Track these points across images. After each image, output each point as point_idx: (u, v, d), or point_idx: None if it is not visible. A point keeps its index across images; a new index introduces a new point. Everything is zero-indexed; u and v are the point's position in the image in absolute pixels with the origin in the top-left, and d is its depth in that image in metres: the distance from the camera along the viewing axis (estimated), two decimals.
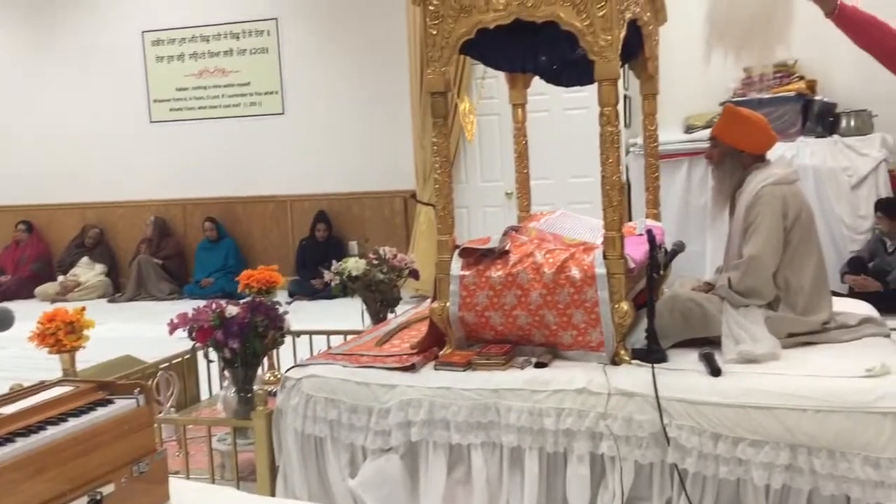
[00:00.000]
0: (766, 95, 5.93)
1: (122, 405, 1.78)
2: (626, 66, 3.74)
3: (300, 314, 6.83)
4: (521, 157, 3.93)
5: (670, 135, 6.22)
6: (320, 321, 5.40)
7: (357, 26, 7.46)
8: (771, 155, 3.19)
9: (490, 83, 6.55)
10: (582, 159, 6.39)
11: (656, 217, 3.76)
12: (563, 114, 6.70)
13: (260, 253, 8.15)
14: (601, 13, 2.74)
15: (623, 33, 2.83)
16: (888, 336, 3.03)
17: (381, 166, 7.65)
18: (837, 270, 5.49)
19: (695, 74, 5.97)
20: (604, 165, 2.84)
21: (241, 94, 8.16)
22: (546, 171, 6.53)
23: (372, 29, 7.58)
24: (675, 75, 6.18)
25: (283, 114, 8.08)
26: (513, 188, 6.60)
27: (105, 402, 1.79)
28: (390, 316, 4.08)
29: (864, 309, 3.36)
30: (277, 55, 8.01)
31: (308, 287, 7.39)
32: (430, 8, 2.94)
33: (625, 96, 6.48)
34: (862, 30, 2.92)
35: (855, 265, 5.42)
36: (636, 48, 3.54)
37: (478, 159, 6.95)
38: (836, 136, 5.75)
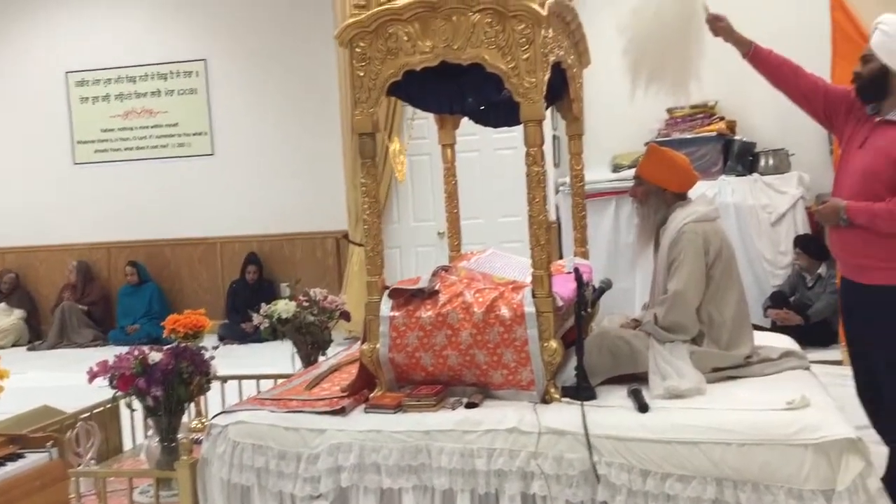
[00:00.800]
0: (688, 135, 6.13)
1: (33, 459, 1.71)
2: (553, 107, 3.82)
3: (230, 358, 6.70)
4: (451, 196, 3.96)
5: (598, 174, 6.37)
6: (251, 365, 5.31)
7: (287, 66, 7.46)
8: (693, 193, 3.28)
9: (420, 123, 6.60)
10: (511, 198, 6.47)
11: (584, 255, 3.82)
12: (494, 154, 6.80)
13: (189, 296, 7.99)
14: (525, 56, 2.80)
15: (547, 76, 2.89)
16: (808, 368, 3.13)
17: (313, 206, 7.61)
18: (760, 305, 5.65)
19: (621, 115, 6.15)
20: (530, 205, 2.88)
21: (168, 135, 8.05)
22: (477, 210, 6.61)
23: (302, 68, 7.60)
24: (602, 116, 6.37)
25: (212, 154, 7.99)
26: (444, 228, 6.74)
27: (16, 457, 1.71)
28: (321, 359, 4.03)
29: (785, 342, 3.45)
30: (206, 95, 7.95)
31: (238, 331, 7.25)
32: (357, 50, 2.96)
33: (554, 136, 6.62)
34: (776, 70, 3.08)
35: (777, 299, 5.59)
36: (561, 90, 3.62)
37: (410, 199, 6.98)
38: (755, 175, 5.96)
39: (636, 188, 3.28)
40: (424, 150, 6.78)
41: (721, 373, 2.97)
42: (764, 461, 2.47)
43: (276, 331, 3.98)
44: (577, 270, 2.89)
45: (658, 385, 2.82)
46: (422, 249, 7.05)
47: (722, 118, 6.14)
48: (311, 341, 4.04)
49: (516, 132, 6.29)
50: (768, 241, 5.83)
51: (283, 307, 3.99)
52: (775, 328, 5.44)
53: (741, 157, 6.02)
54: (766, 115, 5.93)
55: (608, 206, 6.34)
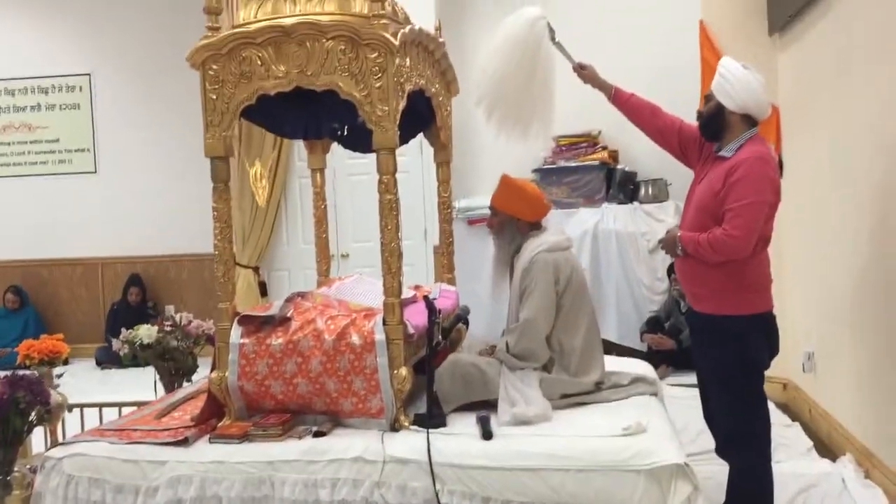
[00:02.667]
0: (573, 163, 6.28)
1: None
2: (423, 134, 3.87)
3: (109, 385, 6.53)
4: (320, 221, 3.97)
5: (487, 199, 6.46)
6: (127, 391, 5.13)
7: (174, 82, 7.31)
8: (546, 222, 3.37)
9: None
10: (406, 221, 6.53)
11: (451, 281, 3.87)
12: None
13: (67, 319, 7.71)
14: (378, 84, 2.84)
15: (402, 104, 2.94)
16: (656, 394, 3.24)
17: (200, 227, 7.43)
18: (638, 330, 5.82)
19: (509, 142, 6.30)
20: (383, 232, 2.92)
21: (49, 151, 7.77)
22: (369, 233, 6.63)
23: (187, 85, 7.44)
24: (490, 142, 6.48)
25: (95, 172, 7.76)
26: (342, 249, 6.75)
27: None
28: (186, 385, 3.95)
29: (639, 368, 3.56)
30: (90, 111, 7.72)
31: (117, 355, 7.02)
32: (210, 73, 2.95)
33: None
34: (635, 110, 3.24)
35: (652, 324, 5.77)
36: (429, 117, 3.68)
37: (299, 220, 6.93)
38: (636, 203, 6.15)
39: (491, 219, 3.36)
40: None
41: (570, 399, 3.05)
42: (600, 487, 2.55)
43: (136, 356, 3.87)
44: (426, 299, 2.92)
45: (506, 412, 2.87)
46: (311, 272, 7.01)
47: (605, 147, 6.31)
48: (174, 368, 3.94)
49: (408, 156, 6.38)
50: (647, 267, 6.01)
51: (145, 332, 3.89)
52: (650, 352, 5.61)
53: (623, 186, 6.20)
54: (646, 145, 6.02)
55: None
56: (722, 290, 2.91)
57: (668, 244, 3.06)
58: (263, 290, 6.93)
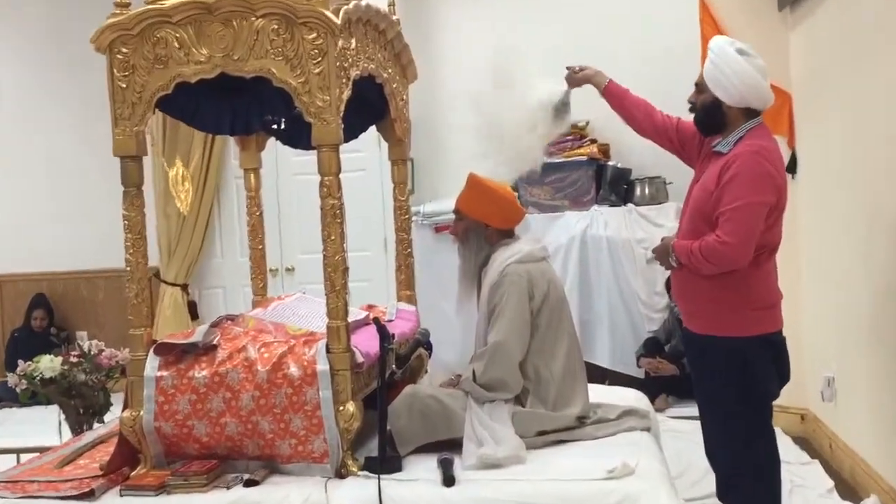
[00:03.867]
0: (557, 159, 6.31)
1: None
2: (375, 127, 3.89)
3: (6, 425, 6.44)
4: (255, 230, 3.97)
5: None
6: (27, 435, 5.05)
7: (79, 83, 7.25)
8: (520, 229, 3.40)
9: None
10: (360, 229, 6.53)
11: (410, 299, 3.87)
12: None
13: None
14: (317, 70, 2.85)
15: (346, 93, 2.95)
16: (649, 429, 3.26)
17: (118, 239, 7.39)
18: (634, 353, 5.86)
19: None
20: (325, 243, 2.94)
21: None
22: (317, 243, 6.61)
23: (97, 85, 7.42)
24: (461, 137, 6.51)
25: None
26: (287, 262, 6.72)
27: None
28: (96, 427, 3.92)
29: (630, 398, 3.59)
30: None
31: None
32: (119, 57, 2.94)
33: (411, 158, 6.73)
34: (631, 109, 3.31)
35: (651, 347, 5.81)
36: (382, 108, 3.70)
37: (236, 228, 6.90)
38: (630, 205, 6.19)
39: (456, 224, 3.38)
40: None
41: (548, 437, 3.07)
42: None
43: (35, 393, 3.84)
44: (377, 322, 2.93)
45: (472, 453, 2.88)
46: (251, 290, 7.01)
47: (594, 141, 6.34)
48: (82, 406, 3.91)
49: (364, 152, 6.38)
50: (644, 280, 6.04)
51: (47, 364, 3.86)
52: (648, 379, 5.65)
53: (615, 185, 6.24)
54: (640, 138, 6.17)
55: None
56: (720, 306, 2.95)
57: (660, 254, 3.10)
58: (194, 311, 6.90)
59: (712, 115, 3.01)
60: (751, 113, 3.00)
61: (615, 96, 3.33)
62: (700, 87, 3.05)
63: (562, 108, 3.45)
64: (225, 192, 6.93)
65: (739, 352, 2.93)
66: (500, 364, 3.07)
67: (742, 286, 2.92)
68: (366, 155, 6.28)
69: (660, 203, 6.17)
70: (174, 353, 2.95)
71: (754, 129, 3.00)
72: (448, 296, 6.24)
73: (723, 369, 2.96)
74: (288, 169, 6.67)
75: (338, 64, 2.87)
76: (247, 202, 3.98)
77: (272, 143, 4.05)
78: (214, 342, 3.00)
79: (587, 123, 6.40)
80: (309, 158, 5.97)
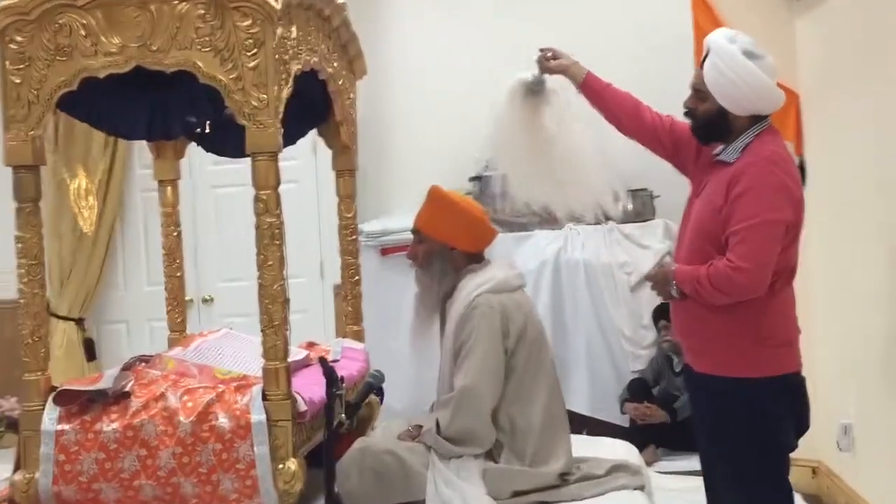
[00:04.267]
0: None
1: None
2: (316, 131, 3.89)
3: None
4: (172, 254, 3.97)
5: (409, 221, 6.47)
6: None
7: None
8: (490, 253, 3.41)
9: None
10: (296, 251, 6.50)
11: (358, 336, 3.89)
12: None
13: None
14: (253, 64, 2.85)
15: (287, 91, 2.96)
16: (643, 488, 3.28)
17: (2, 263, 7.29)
18: (617, 398, 5.89)
19: (439, 143, 6.32)
20: (261, 269, 2.93)
21: None
22: (241, 268, 6.57)
23: None
24: (414, 143, 6.52)
25: None
26: (204, 292, 6.65)
27: None
28: None
29: (619, 451, 3.61)
30: None
31: None
32: (13, 47, 2.91)
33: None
34: (615, 103, 3.32)
35: (637, 390, 5.83)
36: (325, 109, 3.70)
37: (142, 252, 6.83)
38: (611, 223, 6.22)
39: (415, 246, 3.39)
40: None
41: (527, 497, 3.08)
42: None
43: None
44: (324, 362, 2.91)
45: None
46: (160, 325, 6.89)
47: None
48: None
49: (297, 160, 6.37)
50: (627, 311, 6.07)
51: None
52: (634, 428, 5.67)
53: None
54: (624, 143, 6.21)
55: None
56: (731, 342, 2.98)
57: (658, 282, 3.12)
58: (90, 350, 6.78)
59: (716, 125, 3.05)
60: (758, 117, 3.05)
61: (594, 91, 3.34)
62: (701, 93, 3.06)
63: (536, 88, 3.44)
64: (129, 209, 6.84)
65: (754, 396, 2.96)
66: (468, 413, 3.08)
67: (757, 319, 2.95)
68: (299, 164, 6.26)
69: (645, 220, 6.20)
70: (78, 403, 2.92)
71: (763, 132, 3.05)
72: (395, 332, 6.25)
73: (734, 416, 2.98)
74: (204, 180, 6.62)
75: (276, 56, 2.88)
76: (162, 220, 3.96)
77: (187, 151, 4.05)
78: (127, 388, 2.97)
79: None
80: (231, 167, 6.13)
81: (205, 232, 6.70)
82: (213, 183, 6.63)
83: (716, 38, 3.06)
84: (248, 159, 3.22)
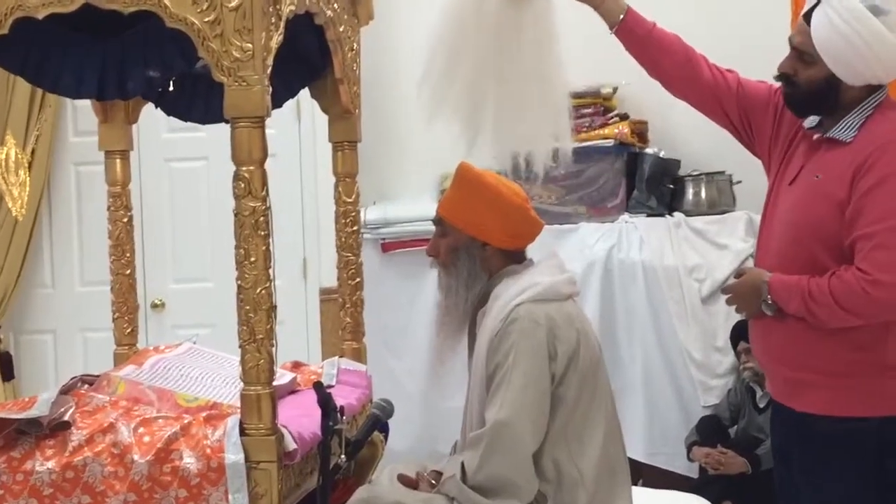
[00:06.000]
0: (570, 145, 6.33)
1: None
2: (309, 92, 3.90)
3: None
4: (121, 246, 3.99)
5: (420, 207, 6.47)
6: None
7: None
8: (533, 249, 3.41)
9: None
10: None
11: (358, 354, 3.90)
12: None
13: None
14: (235, 2, 2.86)
15: (278, 39, 2.98)
16: None
17: None
18: (683, 440, 5.88)
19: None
20: (240, 267, 2.94)
21: None
22: (203, 267, 6.59)
23: None
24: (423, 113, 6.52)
25: None
26: (154, 295, 6.64)
27: None
28: None
29: None
30: None
31: None
32: None
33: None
34: (663, 50, 3.30)
35: (708, 431, 5.81)
36: (321, 63, 3.71)
37: (74, 243, 6.84)
38: (678, 215, 6.21)
39: (437, 240, 3.39)
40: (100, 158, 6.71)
41: None
42: None
43: None
44: (319, 388, 2.92)
45: None
46: (102, 337, 6.89)
47: (625, 117, 6.37)
48: None
49: (274, 128, 6.38)
50: (699, 329, 6.05)
51: None
52: (705, 479, 5.67)
53: (656, 184, 6.26)
54: (695, 115, 6.21)
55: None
56: (848, 372, 2.98)
57: (742, 293, 3.12)
58: (7, 367, 6.78)
59: (821, 95, 3.05)
60: (874, 87, 3.05)
61: (637, 37, 3.34)
62: (806, 56, 3.06)
63: None
64: (58, 188, 6.84)
65: (872, 440, 2.97)
66: (503, 455, 3.07)
67: (882, 342, 2.96)
68: (276, 133, 6.24)
69: (723, 212, 6.21)
70: (3, 435, 2.94)
71: (883, 105, 3.06)
72: (398, 348, 6.29)
73: (847, 465, 2.99)
74: (156, 153, 6.59)
75: None
76: (109, 202, 3.98)
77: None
78: (66, 417, 2.97)
79: (615, 91, 6.45)
80: (190, 136, 6.14)
81: (155, 218, 6.66)
82: (167, 155, 6.63)
83: None
84: (217, 126, 3.23)
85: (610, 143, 6.31)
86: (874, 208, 2.88)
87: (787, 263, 3.03)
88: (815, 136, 3.11)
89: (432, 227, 3.49)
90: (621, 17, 3.31)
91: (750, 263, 5.90)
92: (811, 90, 3.06)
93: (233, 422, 2.89)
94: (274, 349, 2.94)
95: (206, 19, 2.85)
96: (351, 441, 3.09)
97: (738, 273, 3.24)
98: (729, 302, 3.23)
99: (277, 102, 3.63)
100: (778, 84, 3.23)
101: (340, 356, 3.88)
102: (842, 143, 3.01)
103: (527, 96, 3.52)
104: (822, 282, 2.92)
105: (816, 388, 3.04)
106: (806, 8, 3.06)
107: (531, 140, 3.61)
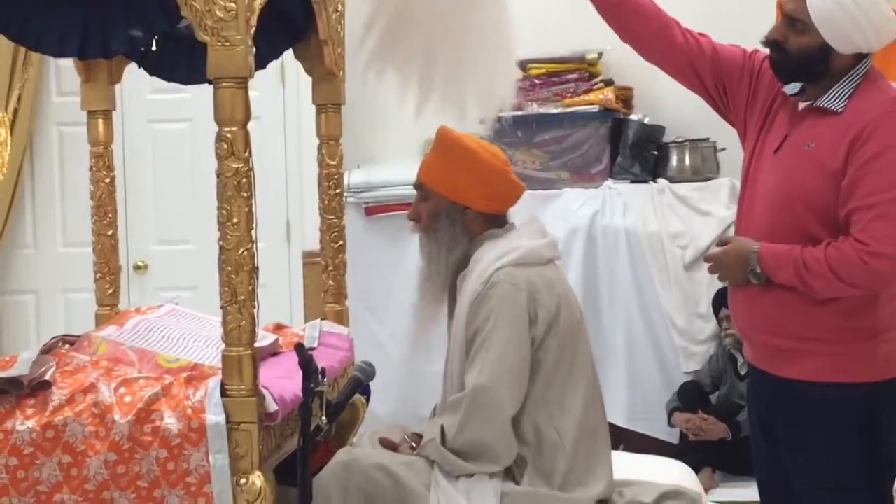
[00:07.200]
0: (553, 109, 6.33)
1: None
2: (293, 53, 3.88)
3: None
4: (103, 206, 3.98)
5: (403, 171, 6.47)
6: None
7: None
8: (514, 215, 3.41)
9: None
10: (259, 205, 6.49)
11: (341, 317, 3.92)
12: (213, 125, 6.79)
13: None
14: None
15: None
16: None
17: None
18: (664, 406, 5.90)
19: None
20: (222, 229, 2.94)
21: None
22: (184, 228, 6.58)
23: None
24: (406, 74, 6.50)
25: None
26: (136, 257, 6.63)
27: None
28: None
29: (672, 473, 3.64)
30: None
31: None
32: None
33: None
34: (636, 14, 3.29)
35: (690, 397, 5.83)
36: (303, 23, 3.71)
37: (57, 203, 6.81)
38: (662, 182, 6.22)
39: (419, 205, 3.39)
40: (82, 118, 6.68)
41: None
42: None
43: None
44: (300, 348, 2.92)
45: None
46: (84, 297, 6.89)
47: (609, 83, 6.36)
48: None
49: (257, 90, 6.36)
50: (681, 296, 6.06)
51: None
52: (685, 445, 5.70)
53: (640, 150, 6.26)
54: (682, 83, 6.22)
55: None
56: (837, 339, 2.99)
57: (728, 262, 3.12)
58: None
59: (812, 64, 3.04)
60: (861, 55, 3.05)
61: None
62: (798, 24, 3.03)
63: None
64: (40, 148, 6.82)
65: (862, 405, 2.99)
66: (483, 419, 3.09)
67: (870, 309, 2.97)
68: (260, 95, 6.23)
69: (706, 179, 6.22)
70: None
71: (870, 73, 3.06)
72: (381, 313, 6.29)
73: (834, 431, 3.01)
74: (139, 114, 6.56)
75: None
76: (91, 163, 3.96)
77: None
78: (47, 377, 2.97)
79: (599, 56, 6.43)
80: (174, 98, 6.12)
81: (138, 180, 6.64)
82: (150, 116, 6.61)
83: None
84: (201, 87, 3.22)
85: (594, 108, 6.31)
86: (873, 179, 2.88)
87: (776, 232, 3.02)
88: (802, 105, 3.10)
89: (409, 193, 3.48)
90: None
91: (732, 231, 5.95)
92: (801, 58, 3.04)
93: (214, 383, 2.89)
94: (256, 311, 2.94)
95: None
96: (332, 403, 3.09)
97: (722, 241, 3.24)
98: (712, 270, 3.22)
99: (261, 63, 3.62)
100: (751, 49, 3.25)
101: (323, 319, 3.88)
102: (832, 113, 3.01)
103: (473, 56, 3.53)
104: (818, 252, 2.92)
105: (806, 355, 3.04)
106: None
107: (479, 99, 3.62)
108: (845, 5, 2.91)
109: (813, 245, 2.96)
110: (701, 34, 3.31)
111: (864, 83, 3.02)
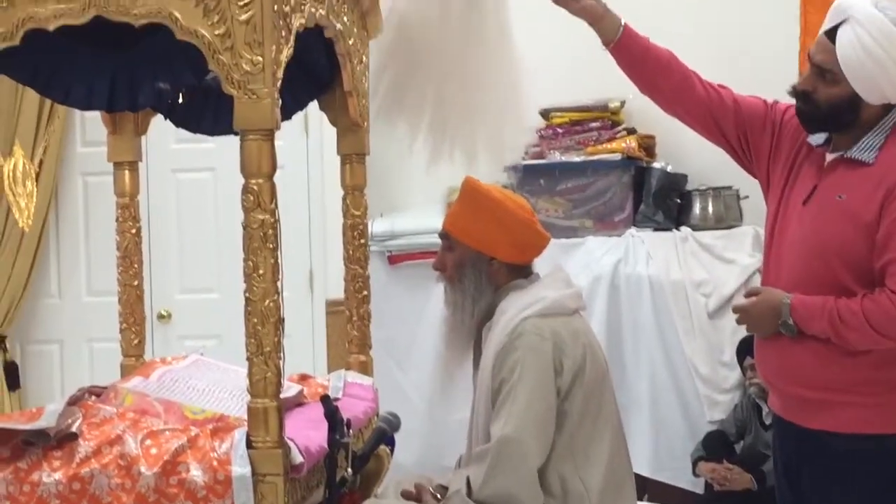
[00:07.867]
0: (576, 158, 6.35)
1: None
2: (318, 105, 3.91)
3: None
4: (129, 257, 4.00)
5: (428, 218, 6.48)
6: None
7: None
8: (538, 263, 3.43)
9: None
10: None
11: (365, 368, 3.91)
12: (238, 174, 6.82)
13: None
14: (245, 16, 2.86)
15: (288, 52, 2.98)
16: None
17: None
18: (689, 455, 5.87)
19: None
20: (248, 279, 2.94)
21: None
22: (208, 277, 6.60)
23: None
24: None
25: None
26: (160, 306, 6.64)
27: None
28: None
29: None
30: None
31: None
32: None
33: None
34: (658, 67, 3.33)
35: (715, 446, 5.80)
36: (328, 76, 3.72)
37: (82, 253, 6.84)
38: (685, 230, 6.22)
39: (444, 254, 3.39)
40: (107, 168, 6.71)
41: None
42: None
43: None
44: (326, 401, 2.93)
45: None
46: (109, 347, 6.89)
47: (632, 132, 6.38)
48: None
49: (283, 140, 6.40)
50: (705, 344, 6.04)
51: None
52: (711, 494, 5.66)
53: (663, 198, 6.26)
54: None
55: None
56: (870, 390, 2.99)
57: (758, 314, 3.13)
58: (13, 376, 6.79)
59: (841, 114, 3.04)
60: (889, 105, 3.06)
61: (633, 55, 3.35)
62: (829, 74, 3.03)
63: None
64: (65, 197, 6.85)
65: (893, 456, 2.98)
66: (508, 470, 3.07)
67: None
68: (285, 144, 6.25)
69: (730, 227, 6.21)
70: (10, 446, 2.94)
71: None
72: (405, 361, 6.28)
73: (864, 484, 3.00)
74: (164, 163, 6.59)
75: (275, 8, 2.89)
76: (117, 214, 3.99)
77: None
78: (73, 429, 2.97)
79: (622, 105, 6.44)
80: (198, 147, 6.15)
81: (161, 229, 6.67)
82: (175, 166, 6.64)
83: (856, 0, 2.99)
84: (224, 137, 3.24)
85: (617, 157, 6.31)
86: None
87: (807, 283, 3.02)
88: (831, 156, 3.11)
89: (439, 240, 3.49)
90: (618, 34, 3.32)
91: (757, 278, 5.94)
92: (831, 108, 3.05)
93: (240, 434, 2.89)
94: (282, 362, 2.94)
95: (217, 32, 2.85)
96: (357, 454, 3.10)
97: (750, 292, 3.23)
98: (740, 321, 3.22)
99: (286, 115, 3.64)
100: (771, 100, 3.25)
101: (347, 369, 3.88)
102: (863, 164, 3.01)
103: (483, 104, 3.55)
104: (854, 304, 2.92)
105: (836, 407, 3.03)
106: (828, 25, 3.04)
107: (489, 146, 3.64)
108: (877, 56, 2.91)
109: (844, 296, 2.97)
110: (721, 86, 3.33)
111: (893, 134, 3.02)
